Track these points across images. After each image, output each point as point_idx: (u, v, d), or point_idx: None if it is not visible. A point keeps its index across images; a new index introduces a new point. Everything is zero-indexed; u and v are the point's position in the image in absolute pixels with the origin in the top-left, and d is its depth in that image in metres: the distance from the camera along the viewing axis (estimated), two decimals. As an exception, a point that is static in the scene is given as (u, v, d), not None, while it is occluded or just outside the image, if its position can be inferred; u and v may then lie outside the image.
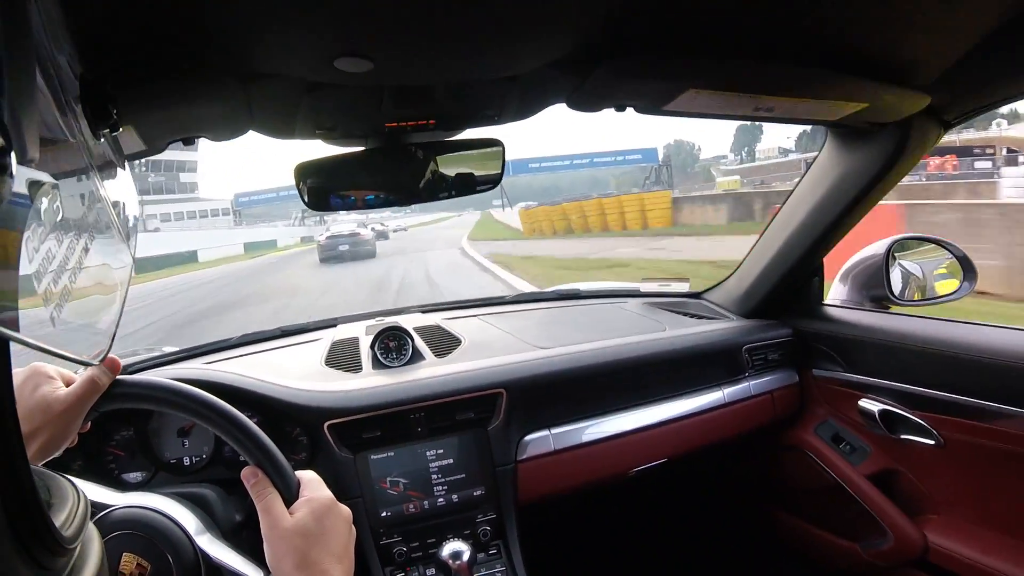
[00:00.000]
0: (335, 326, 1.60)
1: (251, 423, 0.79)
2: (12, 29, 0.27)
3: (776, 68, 0.91)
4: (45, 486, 0.41)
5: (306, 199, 1.04)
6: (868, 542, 1.41)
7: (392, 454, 1.20)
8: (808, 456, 1.48)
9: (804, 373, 1.50)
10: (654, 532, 1.84)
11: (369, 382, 1.26)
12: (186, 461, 1.22)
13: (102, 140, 0.41)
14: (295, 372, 1.29)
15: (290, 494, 0.73)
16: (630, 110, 1.04)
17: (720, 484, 1.79)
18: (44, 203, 0.30)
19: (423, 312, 1.67)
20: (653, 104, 1.01)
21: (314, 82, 0.82)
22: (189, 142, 0.94)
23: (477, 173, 1.09)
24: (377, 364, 1.34)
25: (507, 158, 1.08)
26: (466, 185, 1.08)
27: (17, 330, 0.27)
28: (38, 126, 0.29)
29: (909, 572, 1.35)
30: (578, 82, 0.93)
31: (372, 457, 1.19)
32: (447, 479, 1.21)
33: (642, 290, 1.77)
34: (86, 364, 0.38)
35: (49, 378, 0.72)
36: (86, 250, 0.36)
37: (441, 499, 1.20)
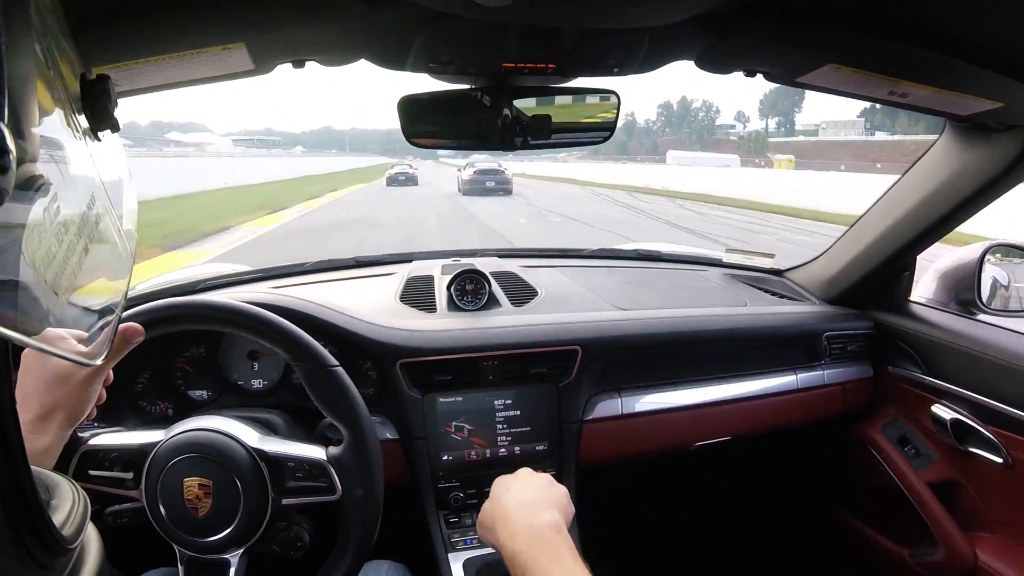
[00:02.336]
0: (410, 261, 1.61)
1: (258, 310, 0.82)
2: (12, 29, 0.27)
3: (922, 54, 0.88)
4: (45, 486, 0.41)
5: (409, 134, 1.03)
6: (918, 550, 1.41)
7: (460, 399, 1.21)
8: (872, 454, 1.47)
9: (880, 369, 1.48)
10: (707, 509, 1.85)
11: (445, 324, 1.27)
12: (254, 384, 1.24)
13: (102, 140, 0.41)
14: (369, 306, 1.30)
15: (322, 366, 0.78)
16: (759, 77, 1.01)
17: (778, 471, 1.79)
18: (44, 202, 0.30)
19: (500, 257, 1.67)
20: (787, 74, 0.98)
21: (439, 12, 0.80)
22: (299, 65, 0.92)
23: (589, 122, 1.07)
24: (452, 306, 1.35)
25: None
26: (575, 133, 1.07)
27: (17, 330, 0.27)
28: (38, 126, 0.29)
29: None
30: (713, 41, 0.90)
31: (440, 399, 1.20)
32: (512, 430, 1.22)
33: (725, 260, 1.74)
34: (87, 364, 0.39)
35: (62, 339, 0.72)
36: (86, 250, 0.36)
37: (503, 449, 1.22)
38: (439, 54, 0.93)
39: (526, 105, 1.03)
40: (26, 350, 0.71)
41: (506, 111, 1.02)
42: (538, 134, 1.05)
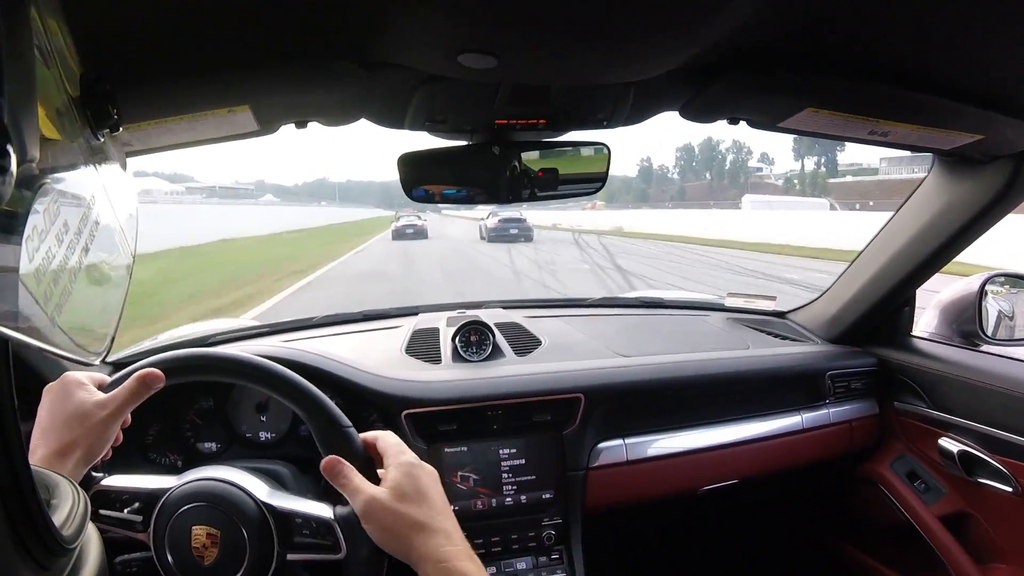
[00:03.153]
0: (416, 314, 1.63)
1: (306, 382, 0.81)
2: (12, 29, 0.27)
3: (898, 93, 0.92)
4: (45, 486, 0.41)
5: (408, 189, 1.06)
6: None
7: (465, 449, 1.22)
8: (881, 491, 1.46)
9: (885, 405, 1.48)
10: (717, 553, 1.84)
11: (449, 374, 1.28)
12: (261, 436, 1.26)
13: (102, 140, 0.42)
14: (375, 357, 1.31)
15: (356, 453, 0.75)
16: (742, 124, 1.04)
17: (787, 511, 1.78)
18: (44, 203, 0.30)
19: (504, 308, 1.69)
20: (768, 120, 1.01)
21: (432, 75, 0.84)
22: (302, 125, 0.97)
23: (583, 175, 1.09)
24: (457, 357, 1.37)
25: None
26: (574, 185, 1.10)
27: (17, 330, 0.28)
28: (38, 126, 0.29)
29: None
30: (695, 92, 0.94)
31: (446, 450, 1.21)
32: (517, 479, 1.23)
33: (727, 304, 1.76)
34: (86, 364, 0.38)
35: (82, 384, 0.74)
36: (86, 250, 0.36)
37: (509, 499, 1.22)
38: (435, 113, 0.97)
39: (529, 157, 1.06)
40: (48, 386, 0.74)
41: (513, 163, 1.06)
42: (545, 186, 1.08)
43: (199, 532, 0.83)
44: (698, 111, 0.98)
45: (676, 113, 1.03)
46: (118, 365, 1.38)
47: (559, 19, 0.66)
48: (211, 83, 0.77)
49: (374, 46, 0.76)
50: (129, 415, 0.78)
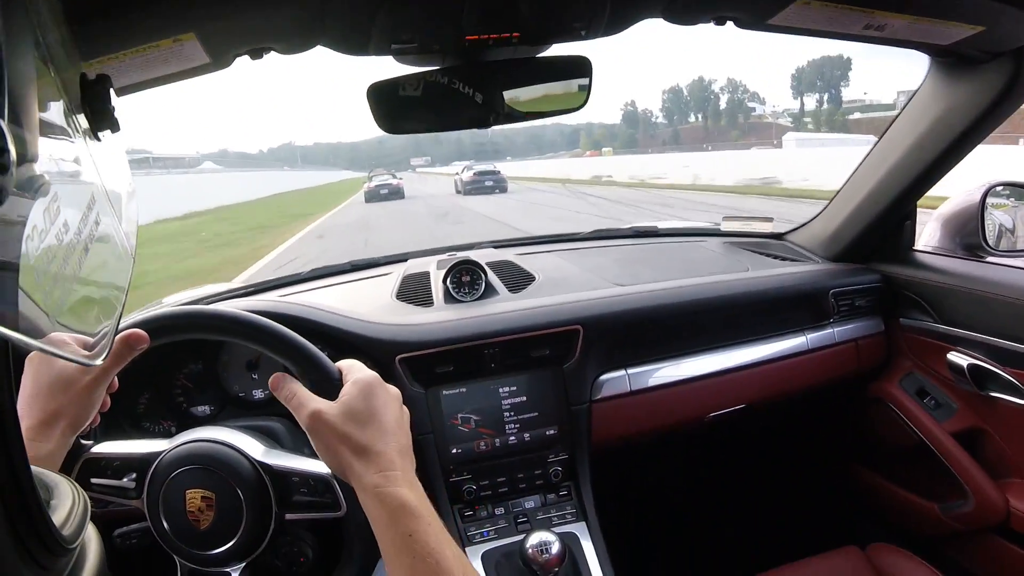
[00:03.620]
0: (405, 260, 1.60)
1: (269, 322, 0.78)
2: (12, 28, 0.27)
3: None
4: (45, 486, 0.41)
5: (380, 121, 1.02)
6: (948, 504, 1.39)
7: (464, 390, 1.20)
8: (891, 410, 1.44)
9: (891, 322, 1.46)
10: (728, 481, 1.83)
11: (442, 316, 1.25)
12: (255, 395, 1.23)
13: (102, 140, 0.41)
14: (366, 305, 1.29)
15: (332, 384, 0.71)
16: (730, 25, 0.99)
17: (798, 435, 1.77)
18: (44, 203, 0.30)
19: (495, 247, 1.66)
20: (757, 16, 0.96)
21: None
22: (256, 55, 0.90)
23: (561, 93, 1.05)
24: (449, 298, 1.34)
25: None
26: (549, 105, 1.05)
27: (17, 330, 0.27)
28: (38, 126, 0.29)
29: (988, 536, 1.32)
30: None
31: (444, 393, 1.19)
32: (519, 417, 1.21)
33: (723, 228, 1.73)
34: (88, 364, 0.39)
35: (65, 344, 0.71)
36: (86, 250, 0.36)
37: (513, 437, 1.20)
38: (399, 34, 0.91)
39: (499, 78, 1.02)
40: (29, 355, 0.71)
41: (480, 87, 1.01)
42: (514, 108, 1.03)
43: (193, 496, 0.81)
44: (681, 11, 0.93)
45: (659, 20, 0.98)
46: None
47: None
48: (149, 9, 0.72)
49: None
50: (116, 379, 0.76)
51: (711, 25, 1.00)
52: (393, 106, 1.02)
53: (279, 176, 49.39)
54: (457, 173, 25.12)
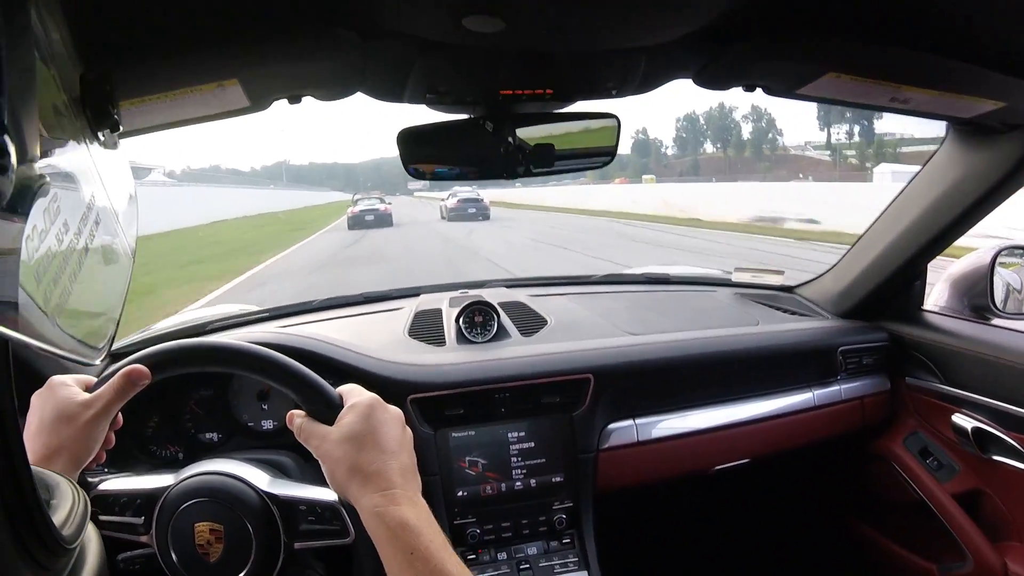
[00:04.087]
0: (418, 295, 1.61)
1: (271, 352, 0.79)
2: (12, 29, 0.27)
3: (922, 58, 0.89)
4: (45, 486, 0.41)
5: (410, 167, 1.03)
6: (946, 564, 1.39)
7: (473, 433, 1.20)
8: (894, 468, 1.45)
9: (897, 381, 1.47)
10: (729, 533, 1.83)
11: (454, 357, 1.26)
12: (263, 425, 1.24)
13: (102, 140, 0.41)
14: (378, 341, 1.29)
15: (334, 410, 0.72)
16: (758, 91, 1.01)
17: (800, 488, 1.77)
18: (44, 203, 0.30)
19: (507, 287, 1.67)
20: (787, 87, 0.99)
21: (433, 42, 0.80)
22: (295, 100, 0.93)
23: (589, 147, 1.07)
24: (462, 339, 1.35)
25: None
26: (577, 160, 1.07)
27: (17, 330, 0.27)
28: (38, 126, 0.29)
29: None
30: (710, 58, 0.91)
31: (453, 434, 1.19)
32: (527, 463, 1.21)
33: (734, 279, 1.74)
34: (86, 364, 0.38)
35: (66, 385, 0.72)
36: (86, 250, 0.36)
37: (519, 483, 1.20)
38: (435, 84, 0.94)
39: (527, 132, 1.03)
40: (35, 393, 0.72)
41: (508, 139, 1.02)
42: (540, 161, 1.05)
43: (202, 528, 0.82)
44: (713, 78, 0.96)
45: (689, 81, 1.00)
46: (115, 356, 1.35)
47: None
48: (198, 56, 0.74)
49: (372, 12, 0.73)
50: (120, 415, 0.76)
51: (739, 90, 1.02)
52: (422, 152, 1.04)
53: (254, 194, 41.67)
54: (443, 200, 24.66)
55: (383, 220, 21.11)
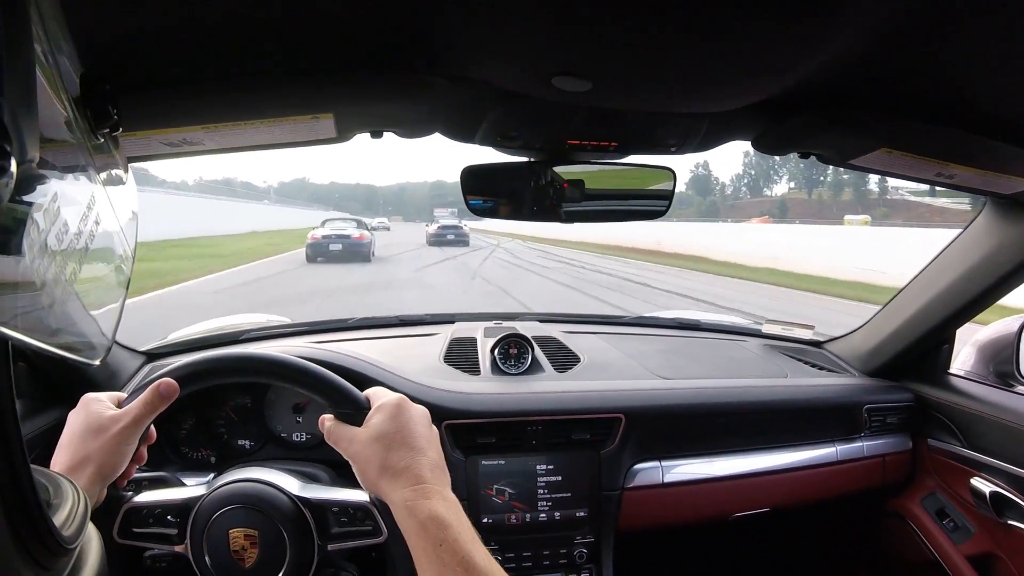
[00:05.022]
0: (453, 323, 1.64)
1: (299, 359, 0.81)
2: (12, 30, 0.27)
3: (970, 138, 0.94)
4: (45, 486, 0.41)
5: (469, 201, 1.07)
6: None
7: (503, 462, 1.23)
8: (910, 527, 1.47)
9: (919, 441, 1.49)
10: None
11: (490, 387, 1.29)
12: (295, 437, 1.26)
13: (103, 140, 0.42)
14: (414, 365, 1.33)
15: (361, 412, 0.74)
16: (812, 158, 1.06)
17: (816, 542, 1.79)
18: (45, 203, 0.30)
19: (540, 321, 1.70)
20: (841, 157, 1.03)
21: (516, 92, 0.84)
22: (377, 135, 0.97)
23: (645, 199, 1.11)
24: (496, 369, 1.38)
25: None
26: (634, 209, 1.11)
27: (17, 330, 0.27)
28: (38, 126, 0.29)
29: None
30: (769, 126, 0.96)
31: (483, 462, 1.22)
32: (553, 495, 1.24)
33: (764, 331, 1.77)
34: (86, 364, 0.39)
35: (98, 400, 0.74)
36: (86, 250, 0.36)
37: (543, 515, 1.23)
38: (509, 129, 0.98)
39: (587, 179, 1.07)
40: (71, 411, 0.73)
41: (567, 184, 1.06)
42: (596, 207, 1.09)
43: (236, 535, 0.84)
44: (772, 144, 1.00)
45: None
46: (151, 356, 1.39)
47: (657, 50, 0.67)
48: (300, 88, 0.78)
49: (467, 62, 0.77)
50: (153, 429, 0.78)
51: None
52: (484, 189, 1.08)
53: (246, 210, 35.75)
54: (427, 226, 26.87)
55: (356, 252, 15.87)
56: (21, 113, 0.27)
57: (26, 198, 0.28)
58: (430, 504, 0.64)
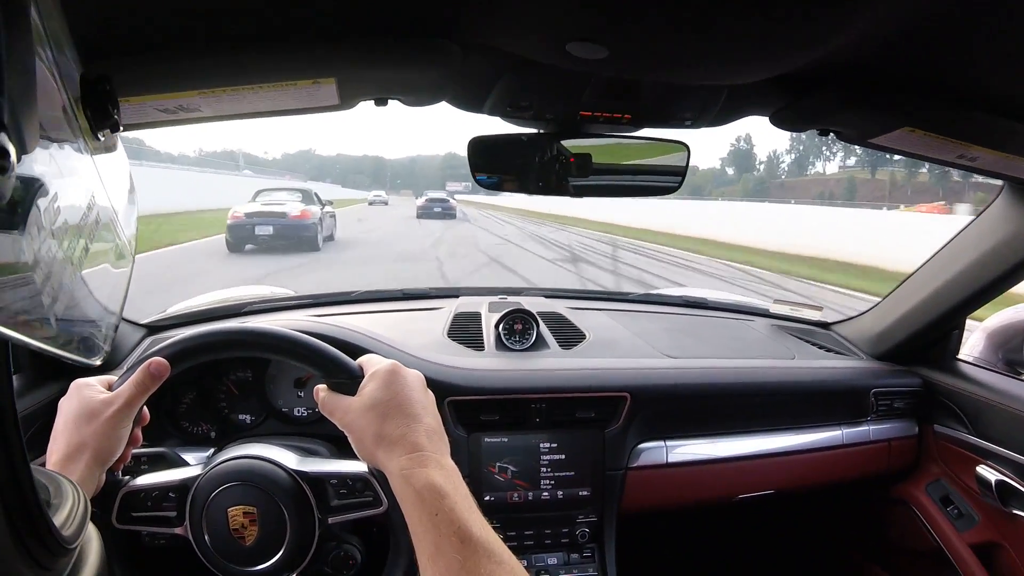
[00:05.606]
0: (457, 296, 1.63)
1: (289, 331, 0.80)
2: (12, 30, 0.27)
3: (994, 120, 0.92)
4: (45, 486, 0.41)
5: (478, 175, 1.05)
6: None
7: (506, 440, 1.22)
8: (914, 513, 1.47)
9: (925, 427, 1.48)
10: (746, 563, 1.85)
11: (494, 363, 1.28)
12: (296, 412, 1.25)
13: (102, 140, 0.41)
14: (418, 340, 1.32)
15: (355, 380, 0.73)
16: (831, 135, 1.04)
17: (819, 526, 1.79)
18: (44, 202, 0.30)
19: (546, 296, 1.69)
20: (861, 136, 1.01)
21: (528, 59, 0.82)
22: (381, 103, 0.95)
23: (658, 174, 1.09)
24: (500, 345, 1.37)
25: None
26: (645, 185, 1.09)
27: (17, 330, 0.28)
28: (38, 126, 0.29)
29: None
30: (790, 100, 0.93)
31: (485, 439, 1.21)
32: (555, 474, 1.23)
33: (772, 311, 1.76)
34: (86, 364, 0.38)
35: (89, 385, 0.73)
36: (86, 250, 0.37)
37: (546, 493, 1.23)
38: (519, 99, 0.96)
39: (598, 153, 1.05)
40: (61, 399, 0.73)
41: (578, 157, 1.04)
42: (608, 181, 1.07)
43: (235, 512, 0.83)
44: (790, 120, 0.98)
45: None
46: (153, 328, 1.38)
47: (676, 17, 0.65)
48: (301, 52, 0.76)
49: (478, 27, 0.75)
50: (147, 411, 0.77)
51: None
52: (492, 162, 1.06)
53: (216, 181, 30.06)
54: (416, 199, 28.30)
55: (294, 236, 11.75)
56: (21, 113, 0.27)
57: (27, 197, 0.28)
58: (426, 472, 0.63)
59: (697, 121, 1.00)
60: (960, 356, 1.51)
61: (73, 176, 0.36)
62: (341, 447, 1.11)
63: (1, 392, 0.32)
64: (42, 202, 0.30)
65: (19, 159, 0.26)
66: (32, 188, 0.29)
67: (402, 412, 0.67)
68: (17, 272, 0.28)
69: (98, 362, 0.39)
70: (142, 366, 0.72)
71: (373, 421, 0.67)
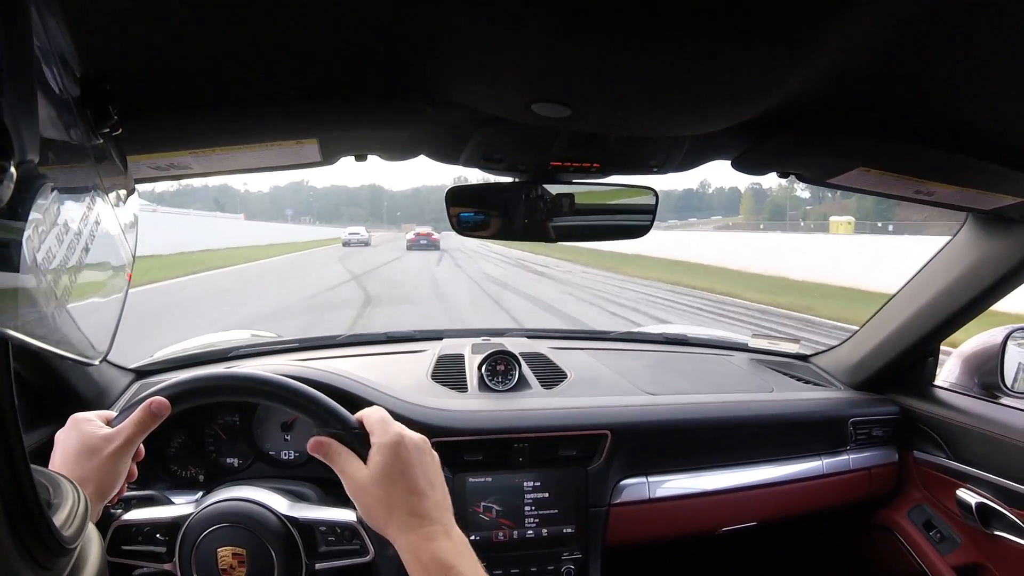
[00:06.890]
0: (440, 339, 1.66)
1: (290, 380, 0.81)
2: (12, 29, 0.27)
3: (948, 157, 0.96)
4: (45, 486, 0.42)
5: (455, 224, 1.09)
6: None
7: (490, 479, 1.24)
8: (897, 539, 1.49)
9: (904, 453, 1.51)
10: None
11: (477, 404, 1.31)
12: (284, 455, 1.27)
13: (103, 140, 0.42)
14: (402, 382, 1.34)
15: (353, 434, 0.73)
16: (791, 177, 1.08)
17: (803, 555, 1.80)
18: (44, 203, 0.30)
19: (528, 337, 1.72)
20: (819, 177, 1.05)
21: (497, 116, 0.86)
22: (361, 159, 0.99)
23: (627, 218, 1.13)
24: (483, 386, 1.40)
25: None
26: (614, 230, 1.13)
27: (17, 330, 0.28)
28: (38, 126, 0.29)
29: None
30: (749, 146, 0.97)
31: (470, 480, 1.24)
32: (540, 512, 1.25)
33: (750, 345, 1.79)
34: (87, 364, 0.38)
35: (89, 420, 0.74)
36: (87, 250, 0.36)
37: (531, 531, 1.25)
38: (492, 152, 1.00)
39: (568, 200, 1.09)
40: (59, 431, 0.74)
41: (552, 204, 1.08)
42: (581, 228, 1.12)
43: (225, 553, 0.85)
44: (751, 163, 1.02)
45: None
46: (141, 373, 1.40)
47: (634, 76, 0.68)
48: (285, 115, 0.80)
49: (449, 89, 0.79)
50: (142, 447, 0.78)
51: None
52: (470, 212, 1.09)
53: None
54: (406, 235, 34.67)
55: None
56: (21, 113, 0.27)
57: (27, 198, 0.28)
58: (433, 547, 0.65)
59: (663, 167, 1.05)
60: (936, 382, 1.54)
61: (73, 177, 0.36)
62: (328, 490, 1.13)
63: (1, 392, 0.33)
64: (42, 203, 0.30)
65: (19, 160, 0.26)
66: (32, 189, 0.29)
67: (409, 488, 0.69)
68: (17, 272, 0.28)
69: (98, 361, 0.40)
70: (143, 404, 0.74)
71: (382, 496, 0.68)
